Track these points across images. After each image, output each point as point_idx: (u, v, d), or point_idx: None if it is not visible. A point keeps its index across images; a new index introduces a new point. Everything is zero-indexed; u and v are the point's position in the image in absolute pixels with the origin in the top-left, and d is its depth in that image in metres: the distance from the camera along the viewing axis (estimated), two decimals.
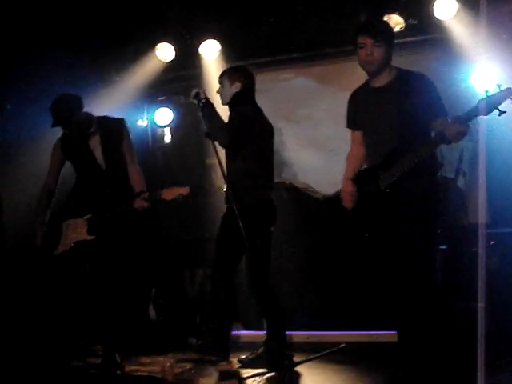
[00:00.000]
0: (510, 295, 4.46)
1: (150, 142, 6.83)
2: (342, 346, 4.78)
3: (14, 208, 5.13)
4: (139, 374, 4.69)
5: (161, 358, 5.08)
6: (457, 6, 5.34)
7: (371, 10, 5.68)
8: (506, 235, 4.78)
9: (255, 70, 6.43)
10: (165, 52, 6.29)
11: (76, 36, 6.10)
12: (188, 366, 4.85)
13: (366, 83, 4.13)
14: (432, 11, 5.41)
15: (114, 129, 4.82)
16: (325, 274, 5.60)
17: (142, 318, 5.67)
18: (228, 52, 6.22)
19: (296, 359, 4.45)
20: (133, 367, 4.85)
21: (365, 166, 4.17)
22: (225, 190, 4.66)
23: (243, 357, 4.78)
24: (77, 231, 4.69)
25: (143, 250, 5.89)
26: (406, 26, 5.57)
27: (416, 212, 3.78)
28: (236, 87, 4.72)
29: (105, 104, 6.09)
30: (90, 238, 4.63)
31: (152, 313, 5.74)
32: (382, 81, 3.99)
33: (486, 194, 4.60)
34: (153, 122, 6.71)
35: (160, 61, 6.32)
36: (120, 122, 4.86)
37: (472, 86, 5.32)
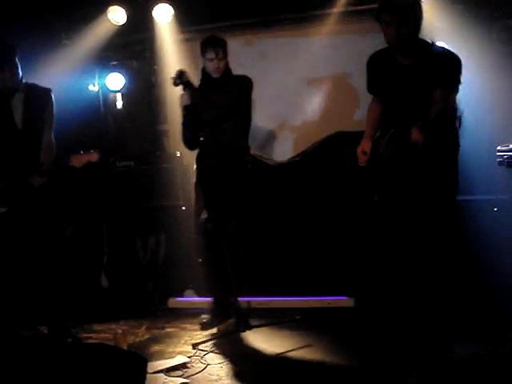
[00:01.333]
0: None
1: (102, 107, 6.70)
2: (297, 317, 4.82)
3: None
4: (91, 341, 4.70)
5: (113, 326, 5.09)
6: None
7: None
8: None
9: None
10: (117, 15, 6.15)
11: None
12: (140, 332, 4.88)
13: (389, 53, 4.07)
14: None
15: (40, 96, 4.71)
16: (284, 242, 5.64)
17: (93, 286, 5.64)
18: (181, 16, 6.12)
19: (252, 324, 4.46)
20: (85, 334, 4.87)
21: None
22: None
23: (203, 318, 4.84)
24: None
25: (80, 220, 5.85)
26: None
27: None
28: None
29: (55, 68, 5.96)
30: (1, 210, 4.52)
31: (104, 281, 5.71)
32: (407, 58, 3.98)
33: None
34: (104, 87, 6.58)
35: (112, 24, 6.18)
36: (47, 91, 4.75)
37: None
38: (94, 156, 4.52)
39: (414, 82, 3.93)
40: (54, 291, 4.64)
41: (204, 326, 4.78)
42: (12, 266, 4.52)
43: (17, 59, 4.59)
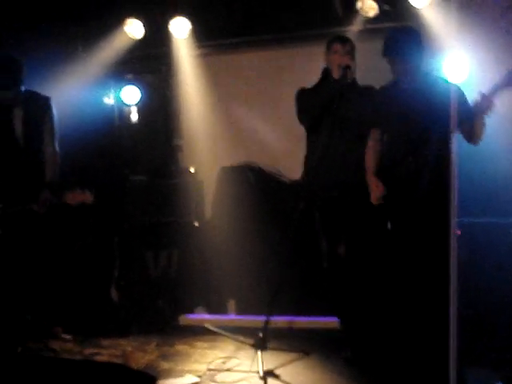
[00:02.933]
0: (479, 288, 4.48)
1: (117, 121, 6.68)
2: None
3: None
4: (99, 357, 4.63)
5: (122, 341, 5.02)
6: None
7: None
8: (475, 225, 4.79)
9: (225, 50, 6.43)
10: (134, 29, 6.13)
11: (42, 10, 5.93)
12: (150, 349, 4.81)
13: (394, 83, 4.23)
14: None
15: (39, 106, 4.68)
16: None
17: (103, 300, 5.58)
18: (198, 31, 6.10)
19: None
20: (93, 350, 4.80)
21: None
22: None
23: None
24: None
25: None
26: (380, 11, 5.52)
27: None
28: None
29: (71, 80, 5.95)
30: None
31: (114, 295, 5.65)
32: (411, 83, 4.11)
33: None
34: (120, 100, 6.56)
35: (128, 38, 6.16)
36: (45, 100, 4.72)
37: (444, 75, 5.29)
38: (88, 197, 4.48)
39: (419, 105, 4.02)
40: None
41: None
42: (17, 277, 4.49)
43: (23, 74, 4.56)
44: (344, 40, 4.44)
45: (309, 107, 4.45)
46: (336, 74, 4.29)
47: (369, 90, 4.48)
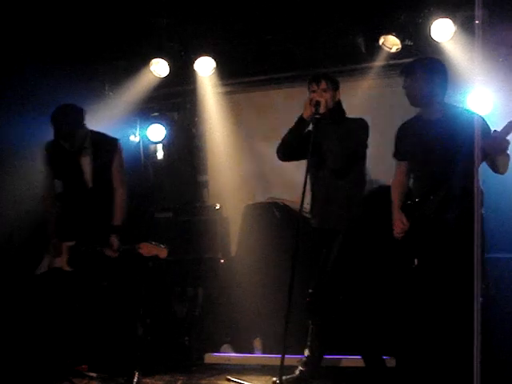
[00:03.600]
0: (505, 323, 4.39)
1: (142, 158, 6.74)
2: None
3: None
4: None
5: (147, 380, 4.98)
6: (454, 28, 5.29)
7: (369, 30, 5.65)
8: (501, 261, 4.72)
9: (249, 88, 6.46)
10: (159, 67, 6.22)
11: (69, 50, 6.03)
12: None
13: (417, 116, 4.22)
14: (429, 33, 5.36)
15: (107, 148, 4.73)
16: None
17: (129, 338, 5.54)
18: (223, 69, 6.16)
19: None
20: None
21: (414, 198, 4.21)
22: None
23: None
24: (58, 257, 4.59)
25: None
26: (402, 46, 5.53)
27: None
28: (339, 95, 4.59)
29: (97, 119, 6.00)
30: (67, 269, 4.53)
31: (139, 332, 5.62)
32: (434, 114, 4.09)
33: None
34: (145, 138, 6.63)
35: (154, 76, 6.25)
36: (114, 142, 4.78)
37: (469, 108, 5.26)
38: (163, 252, 4.53)
39: (440, 136, 3.99)
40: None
41: None
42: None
43: (82, 121, 4.64)
44: (317, 79, 4.50)
45: (290, 146, 4.56)
46: (307, 111, 4.37)
47: (358, 121, 4.55)
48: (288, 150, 4.56)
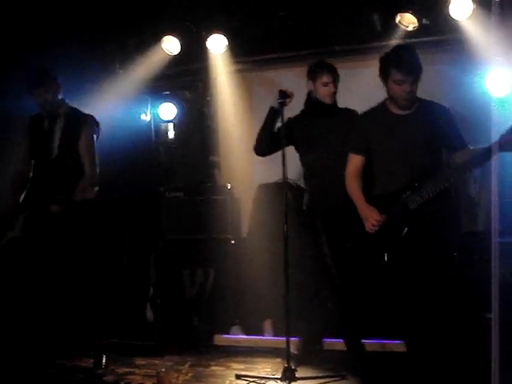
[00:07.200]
0: None
1: (153, 137, 6.67)
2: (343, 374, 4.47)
3: None
4: (132, 376, 4.57)
5: (156, 361, 4.96)
6: (472, 6, 5.16)
7: (385, 7, 5.52)
8: None
9: (262, 66, 6.37)
10: (170, 45, 6.12)
11: (80, 27, 5.97)
12: (184, 370, 4.73)
13: (383, 108, 4.09)
14: (447, 11, 5.23)
15: (78, 122, 4.68)
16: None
17: (138, 319, 5.52)
18: (235, 47, 6.05)
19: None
20: (126, 369, 4.74)
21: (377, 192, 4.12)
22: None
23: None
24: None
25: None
26: (419, 25, 5.40)
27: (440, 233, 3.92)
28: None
29: (108, 97, 5.97)
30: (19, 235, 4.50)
31: (149, 313, 5.58)
32: (405, 109, 4.00)
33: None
34: (156, 117, 6.55)
35: (165, 54, 6.15)
36: (86, 117, 4.72)
37: (487, 89, 5.15)
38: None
39: (411, 132, 3.94)
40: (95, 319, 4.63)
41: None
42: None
43: (53, 82, 4.62)
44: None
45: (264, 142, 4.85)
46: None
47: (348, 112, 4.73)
48: (263, 147, 4.84)
